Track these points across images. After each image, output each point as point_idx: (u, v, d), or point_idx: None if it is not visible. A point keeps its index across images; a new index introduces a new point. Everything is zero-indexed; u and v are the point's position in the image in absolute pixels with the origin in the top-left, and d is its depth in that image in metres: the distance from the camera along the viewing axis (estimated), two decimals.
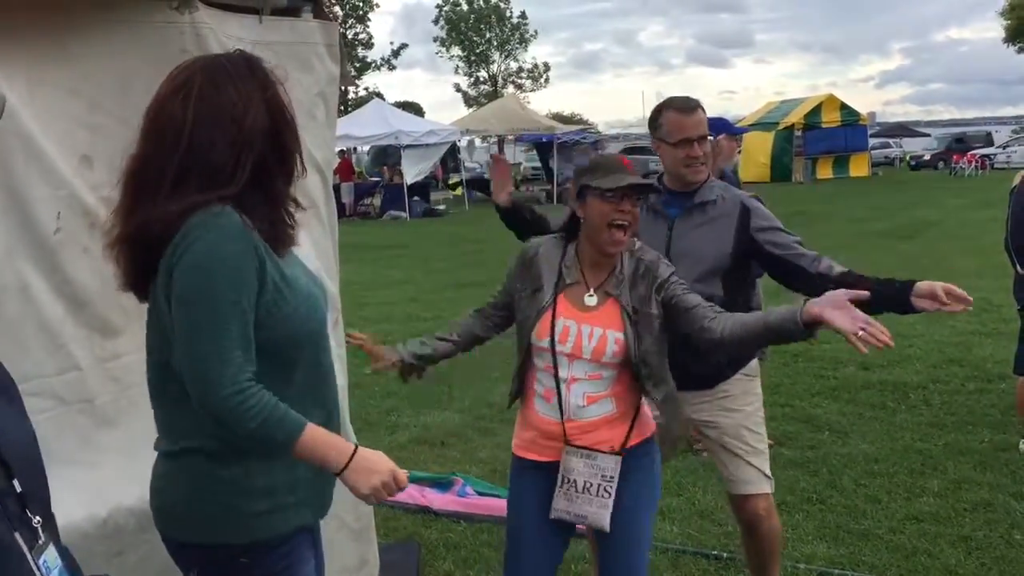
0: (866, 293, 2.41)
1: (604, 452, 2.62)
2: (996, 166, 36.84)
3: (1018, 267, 4.98)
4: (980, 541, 4.10)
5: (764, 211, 3.16)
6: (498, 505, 4.38)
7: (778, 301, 3.00)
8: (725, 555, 4.01)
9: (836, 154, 34.30)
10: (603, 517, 2.62)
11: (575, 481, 2.62)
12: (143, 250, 1.90)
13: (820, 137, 33.74)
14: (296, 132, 2.03)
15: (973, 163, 35.51)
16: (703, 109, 3.21)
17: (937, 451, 5.27)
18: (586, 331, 2.62)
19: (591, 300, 2.65)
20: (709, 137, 3.21)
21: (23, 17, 2.40)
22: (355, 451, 1.90)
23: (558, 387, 2.64)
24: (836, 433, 5.70)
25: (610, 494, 2.61)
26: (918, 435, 5.57)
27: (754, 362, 3.38)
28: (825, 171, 33.97)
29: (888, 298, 2.70)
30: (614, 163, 2.66)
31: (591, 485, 2.62)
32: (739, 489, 3.30)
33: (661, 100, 3.33)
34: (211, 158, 1.87)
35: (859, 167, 34.94)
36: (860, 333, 2.31)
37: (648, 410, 2.74)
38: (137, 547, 2.47)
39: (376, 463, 1.91)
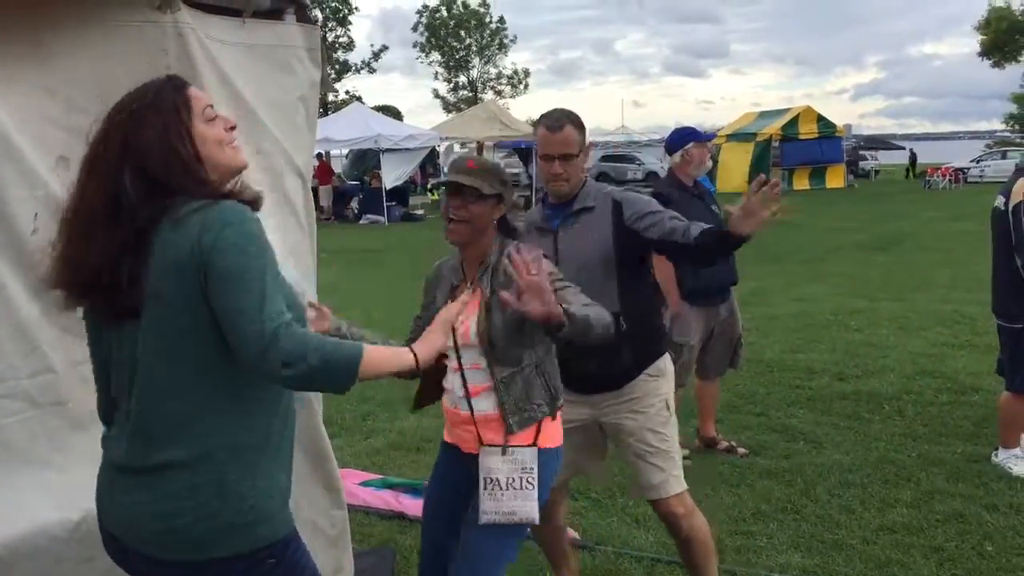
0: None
1: (520, 446, 2.72)
2: (969, 180, 37.31)
3: None
4: (952, 552, 4.13)
5: (634, 199, 3.28)
6: None
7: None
8: None
9: (813, 165, 34.59)
10: (532, 509, 2.70)
11: (497, 480, 2.70)
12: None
13: (797, 148, 34.01)
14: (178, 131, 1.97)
15: (947, 177, 35.93)
16: (577, 126, 3.26)
17: (910, 462, 5.31)
18: (460, 320, 2.74)
19: (468, 294, 2.79)
20: (584, 155, 3.31)
21: None
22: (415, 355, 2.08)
23: (461, 373, 2.78)
24: (811, 443, 5.72)
25: (533, 485, 2.69)
26: (892, 446, 5.60)
27: (659, 362, 3.42)
28: (802, 182, 34.23)
29: (718, 236, 2.99)
30: (459, 163, 2.81)
31: (513, 480, 2.70)
32: (650, 495, 3.37)
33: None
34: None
35: (835, 179, 35.25)
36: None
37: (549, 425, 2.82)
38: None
39: (433, 343, 2.15)
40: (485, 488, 2.71)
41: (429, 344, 2.07)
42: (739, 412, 6.35)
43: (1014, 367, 5.16)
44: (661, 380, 3.40)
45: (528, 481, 2.69)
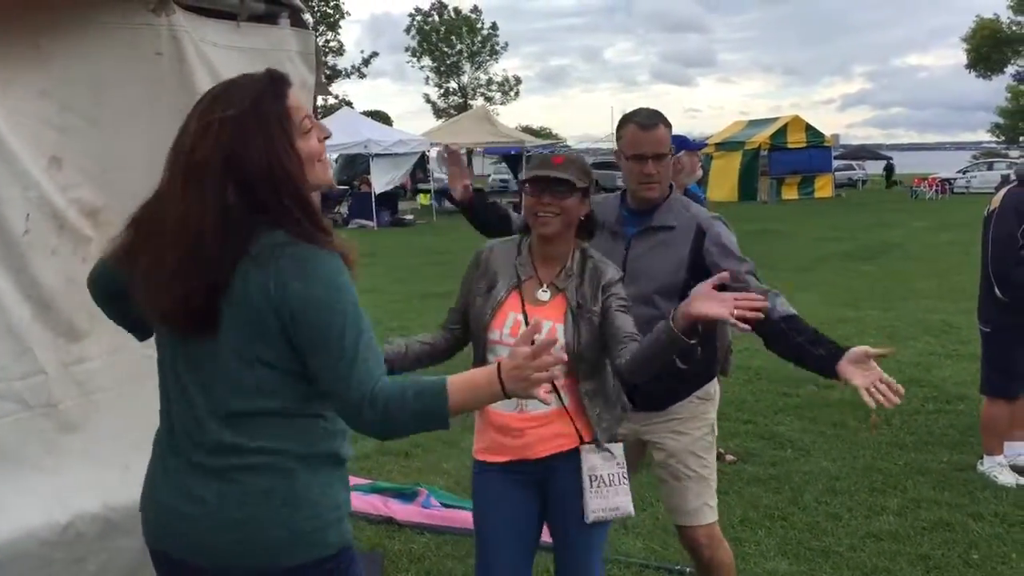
0: (726, 275, 2.46)
1: (612, 443, 2.73)
2: (956, 190, 37.59)
3: (997, 291, 5.01)
4: (938, 560, 4.16)
5: (718, 235, 3.08)
6: (462, 517, 4.36)
7: None
8: (688, 570, 4.01)
9: (801, 175, 34.73)
10: (629, 503, 2.73)
11: (601, 476, 2.69)
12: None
13: (785, 158, 34.14)
14: (289, 148, 1.84)
15: (934, 187, 36.17)
16: (667, 125, 3.11)
17: (897, 470, 5.34)
18: (539, 323, 2.64)
19: (544, 295, 2.71)
20: (672, 156, 3.14)
21: None
22: (500, 372, 1.81)
23: None
24: (798, 450, 5.75)
25: (627, 479, 2.73)
26: (878, 454, 5.63)
27: (709, 386, 3.33)
28: (791, 192, 34.37)
29: (817, 357, 2.72)
30: (543, 159, 2.74)
31: (613, 476, 2.71)
32: (679, 520, 3.31)
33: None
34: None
35: (824, 188, 35.40)
36: (734, 312, 2.28)
37: None
38: (98, 554, 2.44)
39: (521, 369, 1.80)
40: (591, 486, 2.69)
41: (520, 387, 1.81)
42: (727, 419, 6.36)
43: (985, 371, 5.22)
44: (709, 404, 3.32)
45: (623, 476, 2.72)
